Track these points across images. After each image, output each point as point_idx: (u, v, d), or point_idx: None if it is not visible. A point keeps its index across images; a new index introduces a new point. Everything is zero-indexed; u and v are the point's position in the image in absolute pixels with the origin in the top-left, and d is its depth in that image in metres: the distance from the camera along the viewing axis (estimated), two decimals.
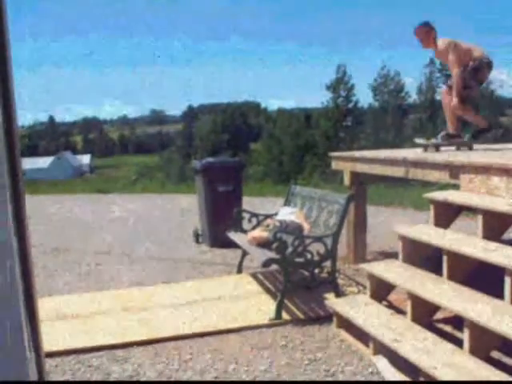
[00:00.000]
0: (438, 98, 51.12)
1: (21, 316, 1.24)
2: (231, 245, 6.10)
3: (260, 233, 5.30)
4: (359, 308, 4.19)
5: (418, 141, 5.96)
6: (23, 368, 1.27)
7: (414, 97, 52.99)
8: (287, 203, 6.04)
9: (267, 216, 5.89)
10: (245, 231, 5.76)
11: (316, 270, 4.78)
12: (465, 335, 3.28)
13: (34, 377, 1.36)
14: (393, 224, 6.90)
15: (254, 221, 5.88)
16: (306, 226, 5.24)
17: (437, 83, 51.89)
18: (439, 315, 4.01)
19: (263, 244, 5.06)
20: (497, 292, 3.40)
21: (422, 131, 46.32)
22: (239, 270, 5.94)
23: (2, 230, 1.17)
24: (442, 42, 5.58)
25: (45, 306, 4.87)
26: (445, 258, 3.82)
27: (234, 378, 3.57)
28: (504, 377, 2.96)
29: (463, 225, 5.89)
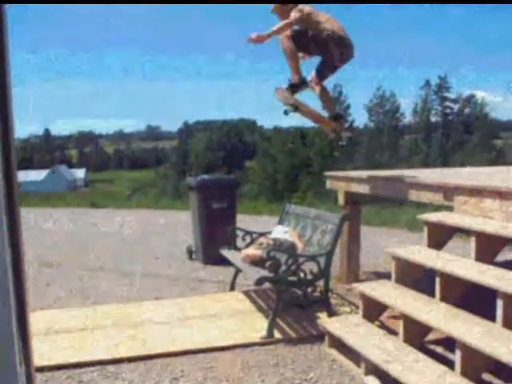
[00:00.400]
0: (433, 119, 51.58)
1: (12, 329, 1.24)
2: (224, 262, 6.08)
3: (253, 251, 5.30)
4: (351, 328, 4.19)
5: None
6: (13, 382, 1.27)
7: (408, 117, 53.37)
8: (281, 222, 6.05)
9: (261, 234, 5.90)
10: (238, 249, 5.76)
11: (309, 289, 4.78)
12: (456, 357, 3.29)
13: None
14: (386, 244, 6.92)
15: (248, 239, 5.89)
16: (300, 245, 5.25)
17: (432, 105, 52.30)
18: (431, 336, 4.01)
19: (256, 262, 5.06)
20: (489, 314, 3.41)
21: (416, 152, 46.64)
22: (232, 288, 5.92)
23: None
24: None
25: (36, 320, 4.85)
26: (438, 279, 3.83)
27: None
28: None
29: (456, 246, 5.91)
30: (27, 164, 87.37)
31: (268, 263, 4.71)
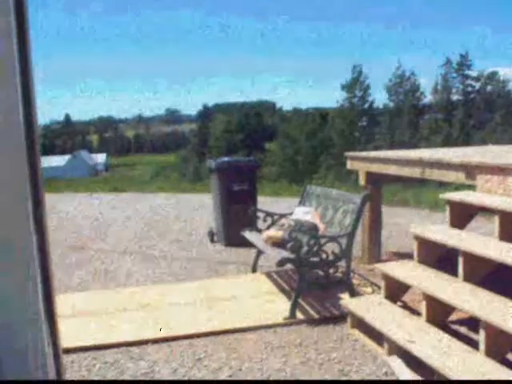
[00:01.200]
0: (454, 98, 50.89)
1: (40, 311, 1.26)
2: (246, 244, 6.11)
3: (275, 232, 5.30)
4: (374, 308, 4.18)
5: None
6: (43, 363, 1.29)
7: (429, 97, 52.70)
8: (302, 203, 6.04)
9: (282, 215, 5.90)
10: (260, 230, 5.77)
11: (331, 270, 4.77)
12: (480, 337, 3.27)
13: (52, 372, 1.38)
14: (408, 224, 6.88)
15: (269, 220, 5.89)
16: (321, 226, 5.24)
17: (453, 83, 51.58)
18: (454, 316, 3.99)
19: (278, 243, 5.07)
20: None
21: (437, 131, 46.14)
22: (254, 270, 5.95)
23: (25, 226, 1.19)
24: None
25: (61, 303, 4.90)
26: (461, 258, 3.80)
27: (248, 377, 3.58)
28: None
29: (480, 226, 5.86)
30: (49, 150, 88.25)
31: (289, 244, 4.72)
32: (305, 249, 4.65)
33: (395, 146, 35.29)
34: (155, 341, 4.15)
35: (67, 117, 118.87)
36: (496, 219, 3.85)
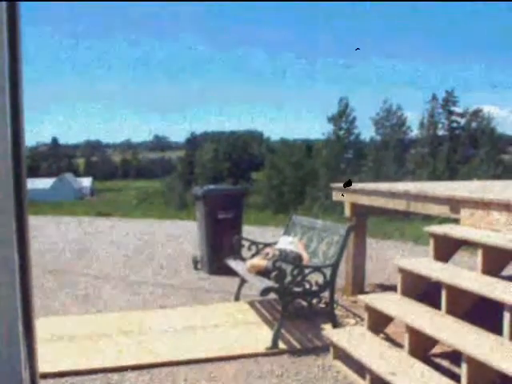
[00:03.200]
0: (439, 133, 51.52)
1: (19, 334, 1.25)
2: (230, 272, 6.08)
3: (259, 261, 5.29)
4: (356, 339, 4.16)
5: None
6: None
7: (415, 131, 53.34)
8: (287, 232, 6.05)
9: (266, 244, 5.89)
10: (244, 259, 5.75)
11: (314, 300, 4.76)
12: (462, 370, 3.26)
13: None
14: (392, 257, 6.90)
15: (254, 249, 5.88)
16: (305, 256, 5.24)
17: (439, 119, 52.28)
18: (437, 349, 3.98)
19: (262, 272, 5.06)
20: (496, 327, 3.38)
21: (423, 165, 46.59)
22: (237, 298, 5.91)
23: (7, 247, 1.19)
24: None
25: (41, 326, 4.83)
26: (444, 291, 3.81)
27: None
28: None
29: (463, 260, 5.89)
30: (34, 172, 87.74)
31: (273, 274, 4.71)
32: (288, 278, 4.63)
33: (381, 178, 35.52)
34: (135, 367, 4.09)
35: (54, 139, 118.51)
36: (479, 253, 3.87)
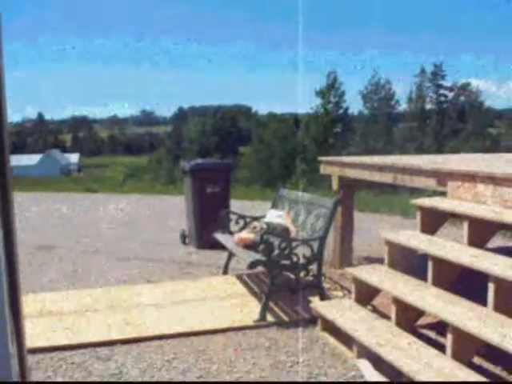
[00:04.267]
0: (427, 107, 51.54)
1: (4, 310, 1.24)
2: (218, 246, 6.10)
3: (247, 234, 5.30)
4: (344, 312, 4.20)
5: None
6: (6, 363, 1.27)
7: (403, 105, 53.29)
8: (275, 206, 6.05)
9: (254, 218, 5.90)
10: (232, 233, 5.76)
11: (302, 273, 4.78)
12: (448, 340, 3.30)
13: (16, 372, 1.36)
14: (379, 230, 6.93)
15: (241, 223, 5.88)
16: (293, 229, 5.25)
17: (427, 92, 52.24)
18: (423, 320, 4.03)
19: (250, 246, 5.07)
20: (481, 298, 3.42)
21: (411, 139, 46.67)
22: (225, 272, 5.93)
23: None
24: None
25: (29, 302, 4.85)
26: (430, 263, 3.85)
27: (217, 379, 3.56)
28: (484, 381, 2.98)
29: (449, 233, 5.93)
30: (20, 148, 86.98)
31: (261, 247, 4.71)
32: (276, 251, 4.65)
33: (369, 152, 35.57)
34: (124, 341, 4.11)
35: (40, 115, 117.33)
36: (465, 225, 3.90)
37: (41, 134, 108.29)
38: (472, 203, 4.13)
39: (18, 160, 67.32)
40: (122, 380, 3.55)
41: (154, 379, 3.55)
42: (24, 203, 11.53)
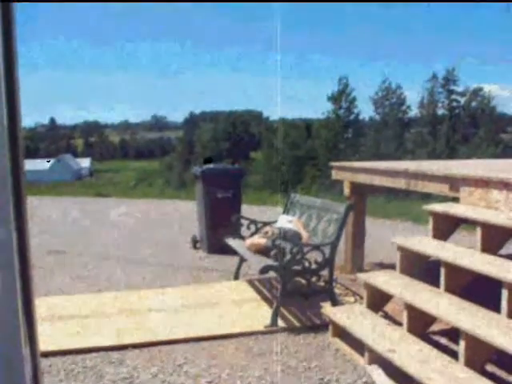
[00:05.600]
0: (439, 112, 51.33)
1: (18, 313, 1.24)
2: (228, 251, 6.10)
3: (258, 239, 5.30)
4: (355, 317, 4.18)
5: None
6: (20, 366, 1.27)
7: (415, 110, 53.10)
8: (286, 211, 6.05)
9: (266, 223, 5.89)
10: (243, 238, 5.76)
11: (313, 279, 4.77)
12: (460, 347, 3.28)
13: (29, 375, 1.36)
14: (391, 236, 6.90)
15: (253, 228, 5.89)
16: (305, 234, 5.24)
17: (439, 98, 52.05)
18: (435, 327, 4.00)
19: (261, 251, 5.06)
20: (494, 305, 3.40)
21: (422, 145, 46.50)
22: (236, 277, 5.93)
23: (4, 228, 1.18)
24: None
25: (41, 306, 4.87)
26: (443, 269, 3.82)
27: None
28: None
29: (462, 239, 5.90)
30: (33, 153, 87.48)
31: (273, 252, 4.72)
32: (288, 257, 4.64)
33: (380, 158, 35.48)
34: (135, 346, 4.12)
35: (52, 120, 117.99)
36: (478, 231, 3.87)
37: (53, 139, 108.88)
38: (485, 209, 4.10)
39: (30, 165, 67.74)
40: None
41: None
42: (36, 208, 11.59)
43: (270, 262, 4.69)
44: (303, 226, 5.43)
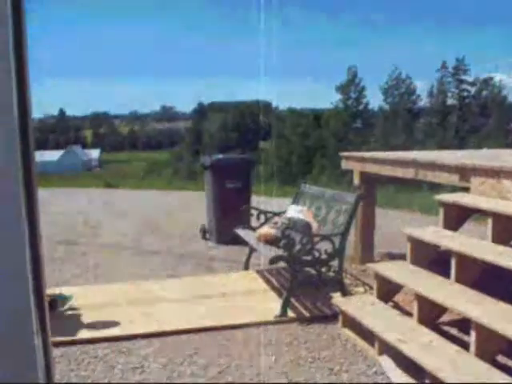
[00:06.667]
0: (449, 102, 51.03)
1: (30, 302, 1.25)
2: (238, 242, 6.10)
3: (268, 230, 5.29)
4: (365, 308, 4.18)
5: None
6: (32, 355, 1.27)
7: (424, 100, 52.83)
8: (296, 201, 6.03)
9: (275, 214, 5.89)
10: (253, 228, 5.75)
11: (323, 269, 4.77)
12: (471, 338, 3.27)
13: (41, 364, 1.36)
14: (401, 226, 6.88)
15: (262, 218, 5.88)
16: (314, 224, 5.23)
17: (448, 87, 51.74)
18: (446, 317, 3.99)
19: (271, 241, 5.06)
20: (505, 295, 3.38)
21: (432, 135, 46.27)
22: (246, 267, 5.93)
23: (16, 219, 1.18)
24: None
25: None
26: (453, 260, 3.80)
27: (238, 374, 3.57)
28: (509, 380, 2.94)
29: (473, 229, 5.87)
30: (43, 145, 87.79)
31: (282, 242, 4.70)
32: (297, 247, 4.64)
33: (389, 148, 35.34)
34: (145, 336, 4.13)
35: (61, 111, 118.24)
36: (489, 221, 3.85)
37: (62, 130, 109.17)
38: (496, 199, 4.07)
39: (40, 156, 68.00)
40: (144, 374, 3.56)
41: (175, 374, 3.56)
42: (45, 199, 11.64)
43: (279, 252, 4.68)
44: (313, 216, 5.42)
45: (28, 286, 1.22)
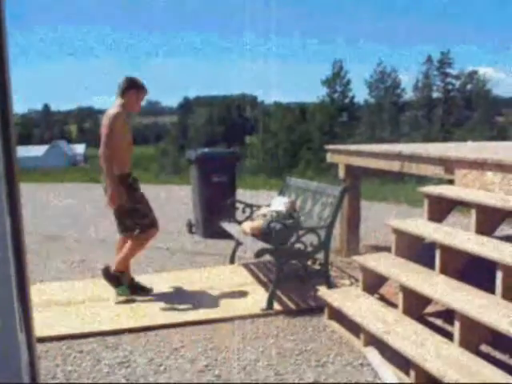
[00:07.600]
0: (434, 95, 51.28)
1: (13, 298, 1.24)
2: (224, 235, 6.09)
3: (254, 223, 5.29)
4: (351, 300, 4.20)
5: None
6: (15, 351, 1.27)
7: (409, 93, 53.06)
8: (282, 194, 6.04)
9: (260, 207, 5.89)
10: (238, 222, 5.76)
11: (309, 262, 4.79)
12: (455, 328, 3.30)
13: (25, 360, 1.36)
14: (386, 219, 6.92)
15: (248, 211, 5.88)
16: (295, 213, 5.26)
17: (434, 81, 51.98)
18: (431, 309, 4.03)
19: (257, 234, 5.06)
20: (488, 286, 3.41)
21: (417, 128, 46.50)
22: (232, 261, 5.94)
23: None
24: None
25: (36, 292, 4.87)
26: (438, 251, 3.84)
27: (225, 367, 3.57)
28: (493, 369, 2.97)
29: (457, 221, 5.92)
30: (27, 140, 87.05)
31: (269, 235, 4.71)
32: (282, 239, 4.64)
33: (375, 141, 35.46)
34: (131, 330, 4.12)
35: (46, 106, 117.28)
36: (473, 213, 3.88)
37: (47, 125, 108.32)
38: (480, 191, 4.11)
39: (24, 151, 67.46)
40: (130, 368, 3.56)
41: (162, 368, 3.56)
42: (30, 194, 11.56)
43: (265, 245, 4.68)
44: (293, 206, 5.43)
45: (11, 282, 1.21)
